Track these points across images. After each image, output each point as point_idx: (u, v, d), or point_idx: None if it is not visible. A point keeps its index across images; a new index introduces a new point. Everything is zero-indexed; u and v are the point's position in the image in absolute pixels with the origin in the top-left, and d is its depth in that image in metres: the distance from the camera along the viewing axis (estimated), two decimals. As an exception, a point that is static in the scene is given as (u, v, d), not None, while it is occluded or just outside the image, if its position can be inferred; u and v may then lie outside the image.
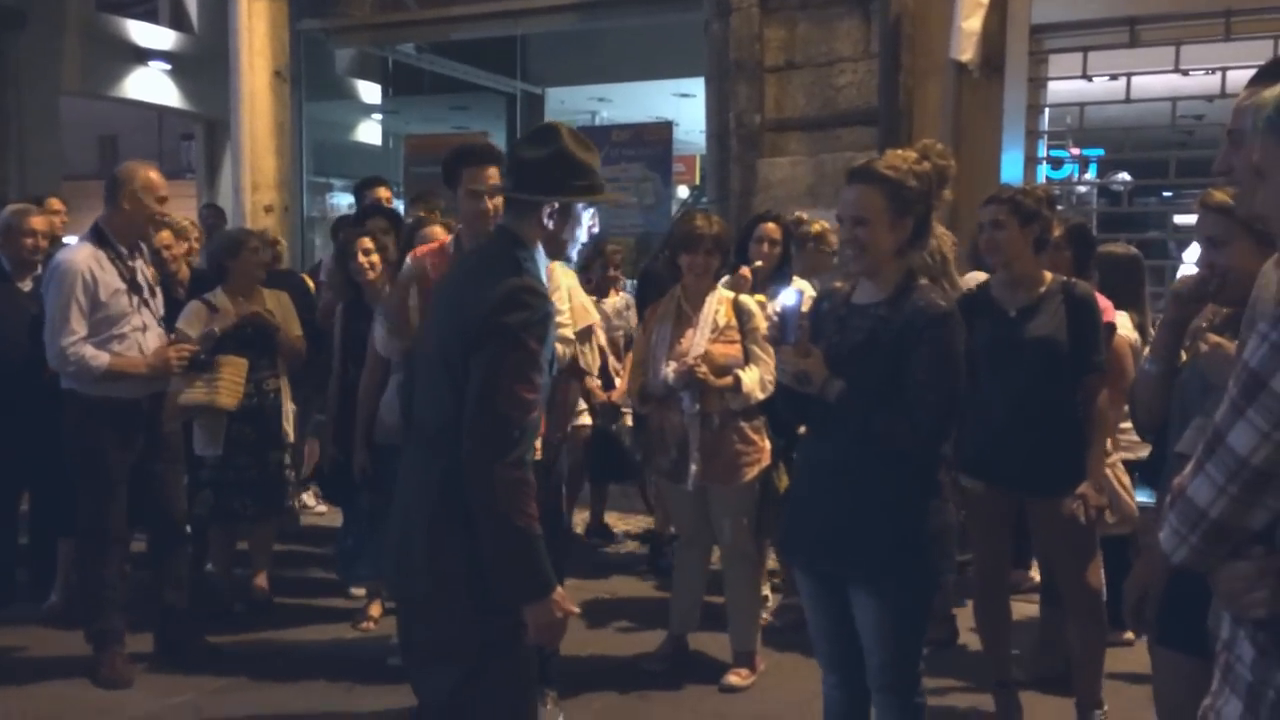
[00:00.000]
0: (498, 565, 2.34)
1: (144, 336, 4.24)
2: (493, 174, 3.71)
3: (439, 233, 4.27)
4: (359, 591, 5.17)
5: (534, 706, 2.65)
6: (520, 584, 2.36)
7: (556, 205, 2.47)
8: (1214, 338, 2.48)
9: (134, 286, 4.22)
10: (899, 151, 2.75)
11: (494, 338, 2.33)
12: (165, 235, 4.95)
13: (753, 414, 4.24)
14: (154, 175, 4.28)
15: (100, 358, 4.11)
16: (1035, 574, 4.77)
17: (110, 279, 4.16)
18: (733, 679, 4.28)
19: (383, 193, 6.37)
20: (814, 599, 2.91)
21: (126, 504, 4.28)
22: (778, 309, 2.78)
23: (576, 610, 2.47)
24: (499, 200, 3.80)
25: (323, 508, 6.39)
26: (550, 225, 2.48)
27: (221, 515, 4.99)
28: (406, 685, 4.07)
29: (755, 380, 4.15)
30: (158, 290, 4.41)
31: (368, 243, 4.77)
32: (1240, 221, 2.37)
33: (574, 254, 2.69)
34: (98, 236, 4.22)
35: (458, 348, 2.38)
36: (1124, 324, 4.12)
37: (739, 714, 4.05)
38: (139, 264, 4.32)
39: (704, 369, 4.13)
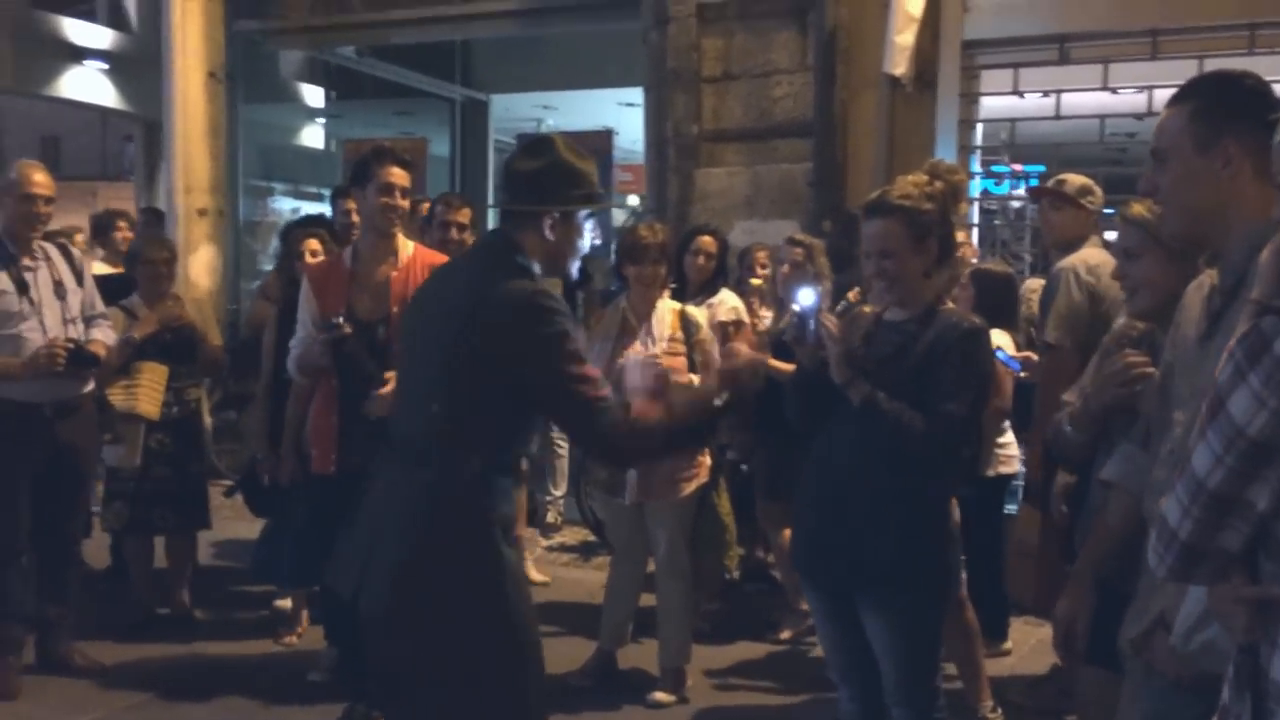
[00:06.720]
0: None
1: (41, 338, 4.13)
2: (400, 174, 3.75)
3: None
4: (284, 604, 5.08)
5: None
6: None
7: (557, 215, 2.46)
8: (1132, 355, 2.49)
9: (21, 287, 4.13)
10: (908, 177, 2.79)
11: (543, 350, 2.35)
12: None
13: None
14: (35, 175, 4.19)
15: None
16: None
17: None
18: (659, 696, 4.25)
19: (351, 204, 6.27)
20: (823, 610, 2.91)
21: (29, 513, 4.18)
22: (797, 309, 2.79)
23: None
24: (406, 201, 3.82)
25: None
26: (551, 237, 2.47)
27: (138, 527, 4.88)
28: (324, 702, 4.07)
29: (709, 390, 4.13)
30: (75, 291, 4.29)
31: (315, 244, 4.71)
32: (1154, 234, 2.40)
33: (574, 269, 2.66)
34: None
35: (457, 357, 2.38)
36: (1005, 343, 4.15)
37: (664, 730, 4.03)
38: (45, 265, 4.23)
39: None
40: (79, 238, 6.49)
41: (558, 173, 2.47)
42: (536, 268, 2.49)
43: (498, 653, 2.41)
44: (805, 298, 2.80)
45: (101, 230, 6.24)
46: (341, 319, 3.71)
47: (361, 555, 2.48)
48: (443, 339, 2.42)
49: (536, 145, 2.55)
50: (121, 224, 6.30)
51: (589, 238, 2.58)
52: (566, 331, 2.38)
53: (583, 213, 2.53)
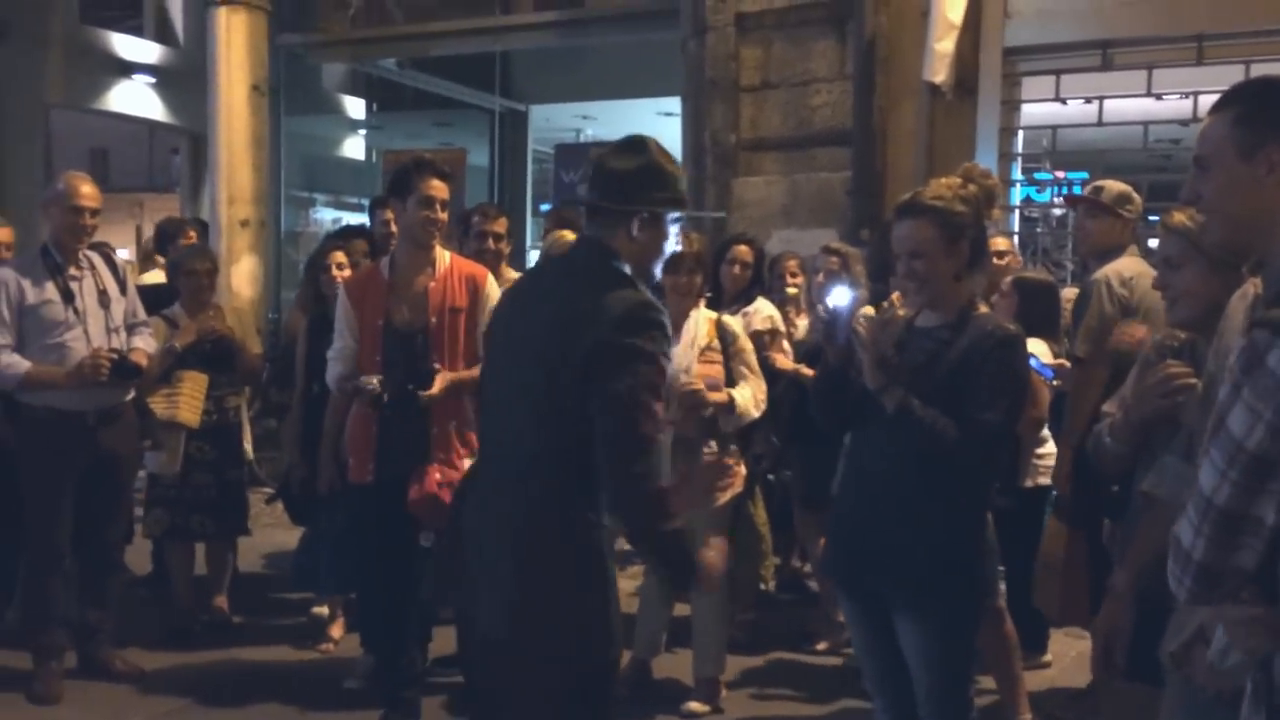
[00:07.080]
0: (667, 570, 2.71)
1: (85, 347, 4.19)
2: (440, 186, 3.76)
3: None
4: (320, 611, 5.11)
5: None
6: (685, 577, 2.55)
7: (646, 216, 2.43)
8: (1174, 366, 2.45)
9: (67, 297, 4.21)
10: (942, 180, 2.77)
11: (628, 360, 2.29)
12: None
13: (728, 439, 4.21)
14: (82, 187, 4.26)
15: (17, 365, 4.10)
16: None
17: (41, 290, 4.17)
18: (694, 706, 4.23)
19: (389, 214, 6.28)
20: (857, 617, 2.89)
21: (71, 519, 4.24)
22: (830, 308, 2.76)
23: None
24: (445, 214, 3.84)
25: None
26: (638, 236, 2.44)
27: (178, 533, 4.94)
28: (360, 709, 4.09)
29: (749, 399, 4.12)
30: (118, 300, 4.36)
31: (340, 257, 4.74)
32: (1196, 244, 2.36)
33: (658, 271, 2.61)
34: (41, 248, 4.29)
35: (560, 369, 2.33)
36: (1041, 351, 4.09)
37: (698, 742, 4.01)
38: (90, 275, 4.30)
39: (702, 386, 4.08)
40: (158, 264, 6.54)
41: (650, 173, 2.45)
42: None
43: (600, 668, 2.43)
44: (839, 296, 2.76)
45: (169, 238, 6.27)
46: (374, 380, 3.75)
47: (469, 578, 2.49)
48: (542, 350, 2.39)
49: (631, 145, 2.51)
50: (192, 232, 6.30)
51: (674, 241, 2.54)
52: (662, 352, 2.34)
53: (670, 216, 2.50)
